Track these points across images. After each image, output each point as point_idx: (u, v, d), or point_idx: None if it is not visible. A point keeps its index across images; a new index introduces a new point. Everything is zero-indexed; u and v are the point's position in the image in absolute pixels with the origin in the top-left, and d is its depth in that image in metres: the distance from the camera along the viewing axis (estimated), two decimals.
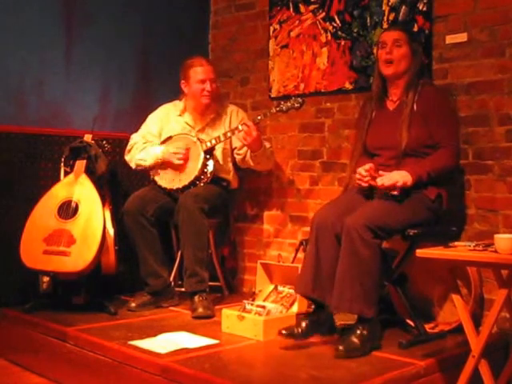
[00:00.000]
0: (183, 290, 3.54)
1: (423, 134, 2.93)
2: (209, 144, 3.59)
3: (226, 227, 4.12)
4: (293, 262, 3.63)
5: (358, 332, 2.68)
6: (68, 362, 2.99)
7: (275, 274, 3.54)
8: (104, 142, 3.72)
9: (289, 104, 3.52)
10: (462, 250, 2.41)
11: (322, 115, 3.82)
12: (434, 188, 2.93)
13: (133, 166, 3.75)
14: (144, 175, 3.87)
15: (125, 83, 4.12)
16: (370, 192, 2.98)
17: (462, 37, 3.20)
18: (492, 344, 2.57)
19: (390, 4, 3.48)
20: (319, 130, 3.84)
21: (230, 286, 4.03)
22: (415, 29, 3.35)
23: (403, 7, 3.42)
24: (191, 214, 3.39)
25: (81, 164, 3.53)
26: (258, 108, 4.09)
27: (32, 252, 3.28)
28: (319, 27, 3.82)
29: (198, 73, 3.66)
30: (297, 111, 3.67)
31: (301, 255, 3.62)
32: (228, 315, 3.04)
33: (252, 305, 3.09)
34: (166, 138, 3.71)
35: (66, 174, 3.58)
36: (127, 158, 3.78)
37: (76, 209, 3.36)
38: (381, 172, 2.85)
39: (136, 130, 3.81)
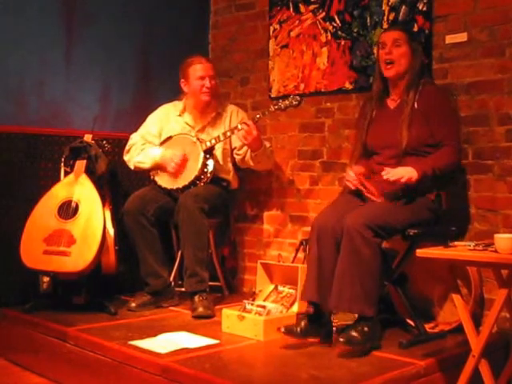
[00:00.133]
0: (183, 289, 3.54)
1: (424, 132, 2.93)
2: (208, 144, 3.59)
3: (226, 227, 4.12)
4: (293, 262, 3.63)
5: (359, 328, 2.68)
6: (68, 362, 2.99)
7: (275, 274, 3.53)
8: (104, 142, 3.72)
9: (287, 102, 3.52)
10: (461, 250, 2.41)
11: (322, 115, 3.82)
12: (434, 188, 2.93)
13: (131, 166, 3.75)
14: (144, 175, 3.87)
15: (125, 83, 4.12)
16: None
17: (462, 37, 3.20)
18: (492, 344, 2.56)
19: (389, 4, 3.48)
20: (319, 129, 3.84)
21: (230, 286, 4.03)
22: (415, 29, 3.35)
23: (403, 7, 3.42)
24: (191, 214, 3.39)
25: (81, 164, 3.53)
26: (258, 108, 4.08)
27: (32, 252, 3.27)
28: (319, 27, 3.82)
29: (197, 70, 3.67)
30: (296, 110, 3.68)
31: (301, 255, 3.62)
32: (228, 315, 3.04)
33: (252, 305, 3.09)
34: (166, 138, 3.71)
35: (66, 174, 3.58)
36: (126, 158, 3.77)
37: (76, 209, 3.36)
38: (386, 169, 2.83)
39: (136, 129, 3.81)
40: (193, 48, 4.23)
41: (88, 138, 3.65)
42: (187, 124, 3.77)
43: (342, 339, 2.64)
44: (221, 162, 3.72)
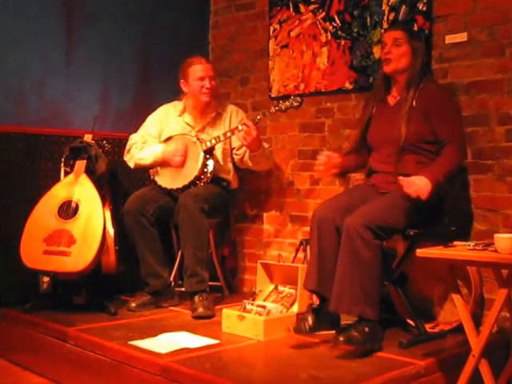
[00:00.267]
0: (183, 289, 3.54)
1: (422, 129, 2.93)
2: (208, 144, 3.59)
3: (226, 227, 4.12)
4: (293, 262, 3.63)
5: (360, 328, 2.67)
6: (68, 362, 2.99)
7: (275, 274, 3.53)
8: (104, 142, 3.72)
9: (287, 103, 3.52)
10: (461, 250, 2.41)
11: (322, 115, 3.82)
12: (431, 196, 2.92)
13: (131, 165, 3.75)
14: (144, 175, 3.87)
15: (125, 83, 4.12)
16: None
17: (462, 36, 3.20)
18: (492, 344, 2.56)
19: (389, 4, 3.48)
20: (319, 129, 3.84)
21: (230, 286, 4.03)
22: (415, 29, 3.35)
23: (403, 7, 3.42)
24: (191, 214, 3.39)
25: (81, 164, 3.53)
26: (259, 108, 4.09)
27: (32, 252, 3.27)
28: (319, 27, 3.82)
29: (197, 70, 3.67)
30: (296, 110, 3.68)
31: (301, 255, 3.62)
32: (228, 315, 3.04)
33: (252, 305, 3.09)
34: (166, 139, 3.70)
35: (66, 174, 3.58)
36: (126, 158, 3.77)
37: (76, 209, 3.36)
38: (400, 178, 2.76)
39: (136, 130, 3.81)
40: (193, 48, 4.23)
41: (88, 137, 3.65)
42: (187, 124, 3.77)
43: (341, 338, 2.64)
44: (221, 162, 3.73)
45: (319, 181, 3.83)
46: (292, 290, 3.35)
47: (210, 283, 3.53)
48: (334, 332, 2.82)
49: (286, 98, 3.65)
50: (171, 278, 3.77)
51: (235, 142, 3.73)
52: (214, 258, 3.88)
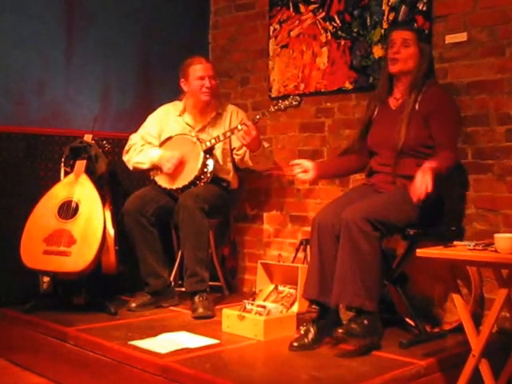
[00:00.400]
0: (183, 289, 3.54)
1: (423, 133, 2.92)
2: (208, 144, 3.59)
3: (226, 227, 4.13)
4: (293, 262, 3.64)
5: (359, 321, 2.67)
6: (68, 362, 2.99)
7: (275, 274, 3.54)
8: (104, 142, 3.72)
9: (287, 102, 3.52)
10: (461, 250, 2.41)
11: (322, 115, 3.82)
12: (434, 188, 2.92)
13: (130, 167, 3.75)
14: (144, 175, 3.87)
15: (125, 83, 4.12)
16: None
17: (462, 36, 3.20)
18: (492, 344, 2.56)
19: (389, 4, 3.48)
20: (319, 129, 3.84)
21: (230, 286, 4.03)
22: None
23: (403, 7, 3.42)
24: (191, 214, 3.39)
25: (81, 164, 3.53)
26: (259, 108, 4.08)
27: (32, 252, 3.28)
28: (319, 27, 3.82)
29: (197, 70, 3.67)
30: (296, 110, 3.68)
31: (301, 255, 3.62)
32: (228, 315, 3.04)
33: (252, 305, 3.09)
34: (166, 139, 3.70)
35: (66, 174, 3.58)
36: (125, 158, 3.77)
37: (76, 209, 3.36)
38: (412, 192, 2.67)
39: (136, 130, 3.81)
40: (193, 48, 4.23)
41: (88, 138, 3.65)
42: (187, 124, 3.77)
43: (340, 330, 2.63)
44: (221, 162, 3.73)
45: (319, 181, 3.82)
46: (292, 290, 3.35)
47: (210, 283, 3.53)
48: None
49: (285, 97, 3.65)
50: (171, 278, 3.77)
51: (235, 142, 3.73)
52: (214, 258, 3.88)
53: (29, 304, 3.42)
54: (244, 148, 3.67)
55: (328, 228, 2.83)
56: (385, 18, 3.51)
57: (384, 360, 2.61)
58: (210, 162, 3.60)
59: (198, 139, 3.62)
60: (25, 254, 3.27)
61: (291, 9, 3.96)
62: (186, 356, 2.62)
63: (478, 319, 3.01)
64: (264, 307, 3.05)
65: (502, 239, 2.28)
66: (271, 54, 4.08)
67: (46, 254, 3.26)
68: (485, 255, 2.31)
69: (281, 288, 3.45)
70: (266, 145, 3.74)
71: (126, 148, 3.77)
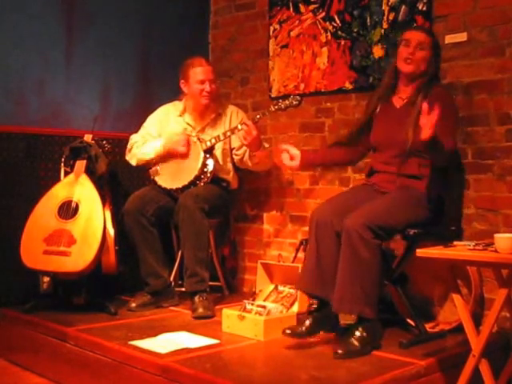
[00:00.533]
0: (183, 289, 3.54)
1: None
2: (208, 143, 3.60)
3: (226, 227, 4.13)
4: (293, 262, 3.64)
5: (358, 334, 2.67)
6: (68, 362, 2.99)
7: (275, 274, 3.54)
8: (104, 142, 3.72)
9: (287, 102, 3.53)
10: (461, 250, 2.41)
11: (323, 115, 3.82)
12: (434, 188, 2.92)
13: (134, 163, 3.74)
14: (144, 175, 3.87)
15: (125, 83, 4.12)
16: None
17: (462, 36, 3.20)
18: (492, 343, 2.56)
19: (389, 4, 3.48)
20: (319, 129, 3.84)
21: (230, 286, 4.03)
22: None
23: (403, 7, 3.42)
24: (191, 214, 3.39)
25: (81, 164, 3.53)
26: (259, 108, 4.08)
27: (32, 252, 3.28)
28: (319, 27, 3.82)
29: (198, 73, 3.66)
30: (296, 110, 3.68)
31: (301, 255, 3.62)
32: (228, 315, 3.04)
33: (252, 305, 3.09)
34: None
35: (66, 174, 3.58)
36: (128, 157, 3.77)
37: (76, 209, 3.36)
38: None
39: (136, 130, 3.81)
40: (193, 48, 4.23)
41: (88, 138, 3.65)
42: (188, 124, 3.77)
43: (340, 351, 2.62)
44: (221, 162, 3.73)
45: (319, 181, 3.83)
46: (292, 290, 3.35)
47: (210, 283, 3.53)
48: (333, 333, 2.82)
49: (285, 97, 3.65)
50: (171, 278, 3.77)
51: (235, 142, 3.73)
52: (214, 258, 3.88)
53: (29, 304, 3.42)
54: (243, 148, 3.67)
55: (327, 224, 2.84)
56: (385, 18, 3.50)
57: (384, 360, 2.61)
58: (210, 162, 3.60)
59: (199, 139, 3.62)
60: (25, 253, 3.27)
61: (291, 9, 3.96)
62: (186, 356, 2.62)
63: (478, 319, 3.01)
64: (264, 307, 3.05)
65: (502, 239, 2.28)
66: (271, 54, 4.08)
67: (46, 254, 3.26)
68: (485, 255, 2.31)
69: (281, 288, 3.45)
70: (266, 145, 3.74)
71: (128, 147, 3.77)
